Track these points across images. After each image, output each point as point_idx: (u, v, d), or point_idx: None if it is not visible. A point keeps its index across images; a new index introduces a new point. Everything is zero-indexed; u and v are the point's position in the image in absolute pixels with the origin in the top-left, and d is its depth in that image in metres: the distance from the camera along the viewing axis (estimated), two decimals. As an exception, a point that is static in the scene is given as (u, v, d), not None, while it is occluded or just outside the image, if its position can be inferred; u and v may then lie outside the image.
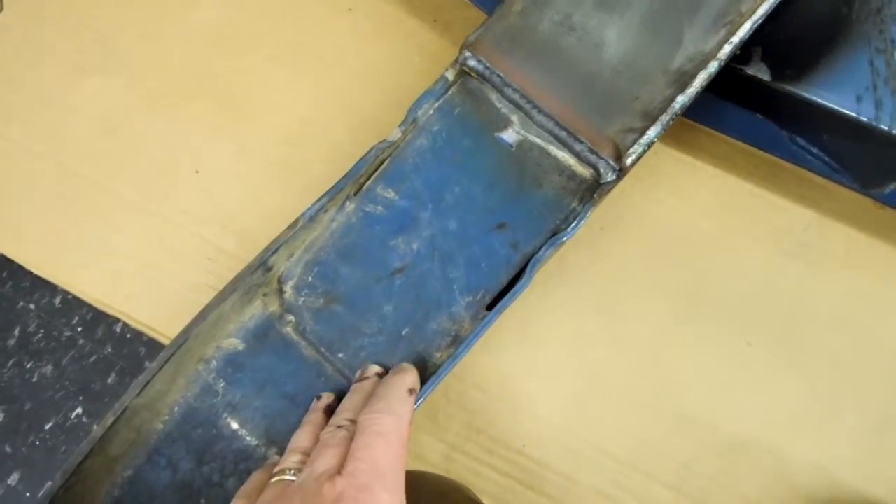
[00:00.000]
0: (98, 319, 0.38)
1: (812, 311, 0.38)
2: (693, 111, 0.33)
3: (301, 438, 0.29)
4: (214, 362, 0.30)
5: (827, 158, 0.41)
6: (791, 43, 0.35)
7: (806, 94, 0.35)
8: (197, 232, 0.40)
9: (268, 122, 0.42)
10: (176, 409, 0.29)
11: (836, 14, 0.35)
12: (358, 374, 0.31)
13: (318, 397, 0.31)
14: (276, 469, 0.28)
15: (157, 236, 0.40)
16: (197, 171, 0.41)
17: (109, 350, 0.37)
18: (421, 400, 0.28)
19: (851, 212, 0.41)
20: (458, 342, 0.29)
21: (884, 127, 0.35)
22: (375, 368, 0.31)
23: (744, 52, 0.35)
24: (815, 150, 0.41)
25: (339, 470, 0.25)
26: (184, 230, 0.40)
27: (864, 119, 0.35)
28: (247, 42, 0.44)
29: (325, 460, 0.26)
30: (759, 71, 0.36)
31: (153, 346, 0.37)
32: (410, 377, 0.29)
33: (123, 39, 0.45)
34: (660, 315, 0.38)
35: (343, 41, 0.44)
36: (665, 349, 0.38)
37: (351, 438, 0.27)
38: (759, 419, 0.37)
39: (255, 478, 0.29)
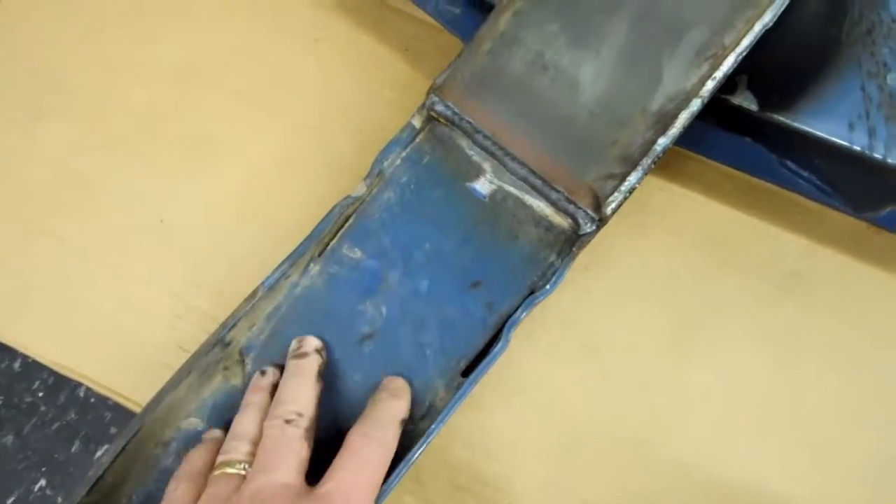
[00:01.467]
0: (60, 384, 0.36)
1: (808, 346, 0.37)
2: (678, 138, 0.31)
3: (246, 424, 0.27)
4: (174, 444, 0.28)
5: (819, 182, 0.39)
6: (778, 69, 0.34)
7: (795, 124, 0.34)
8: (163, 287, 0.38)
9: (235, 164, 0.40)
10: (134, 497, 0.27)
11: (825, 37, 0.33)
12: (294, 344, 0.29)
13: (263, 372, 0.29)
14: (221, 458, 0.26)
15: (120, 293, 0.38)
16: (161, 221, 0.39)
17: (73, 416, 0.35)
18: (395, 482, 0.26)
19: (846, 237, 0.39)
20: (434, 413, 0.28)
21: (878, 156, 0.33)
22: (314, 343, 0.29)
23: (729, 82, 0.33)
24: (805, 174, 0.39)
25: (302, 481, 0.25)
26: (148, 285, 0.38)
27: (857, 148, 0.33)
28: (210, 78, 0.42)
29: (283, 471, 0.24)
30: (745, 100, 0.34)
31: (119, 412, 0.35)
32: (404, 404, 0.28)
33: (82, 79, 0.43)
34: (649, 357, 0.36)
35: (310, 74, 0.42)
36: (655, 393, 0.36)
37: (302, 437, 0.26)
38: (755, 465, 0.35)
39: (196, 456, 0.27)
